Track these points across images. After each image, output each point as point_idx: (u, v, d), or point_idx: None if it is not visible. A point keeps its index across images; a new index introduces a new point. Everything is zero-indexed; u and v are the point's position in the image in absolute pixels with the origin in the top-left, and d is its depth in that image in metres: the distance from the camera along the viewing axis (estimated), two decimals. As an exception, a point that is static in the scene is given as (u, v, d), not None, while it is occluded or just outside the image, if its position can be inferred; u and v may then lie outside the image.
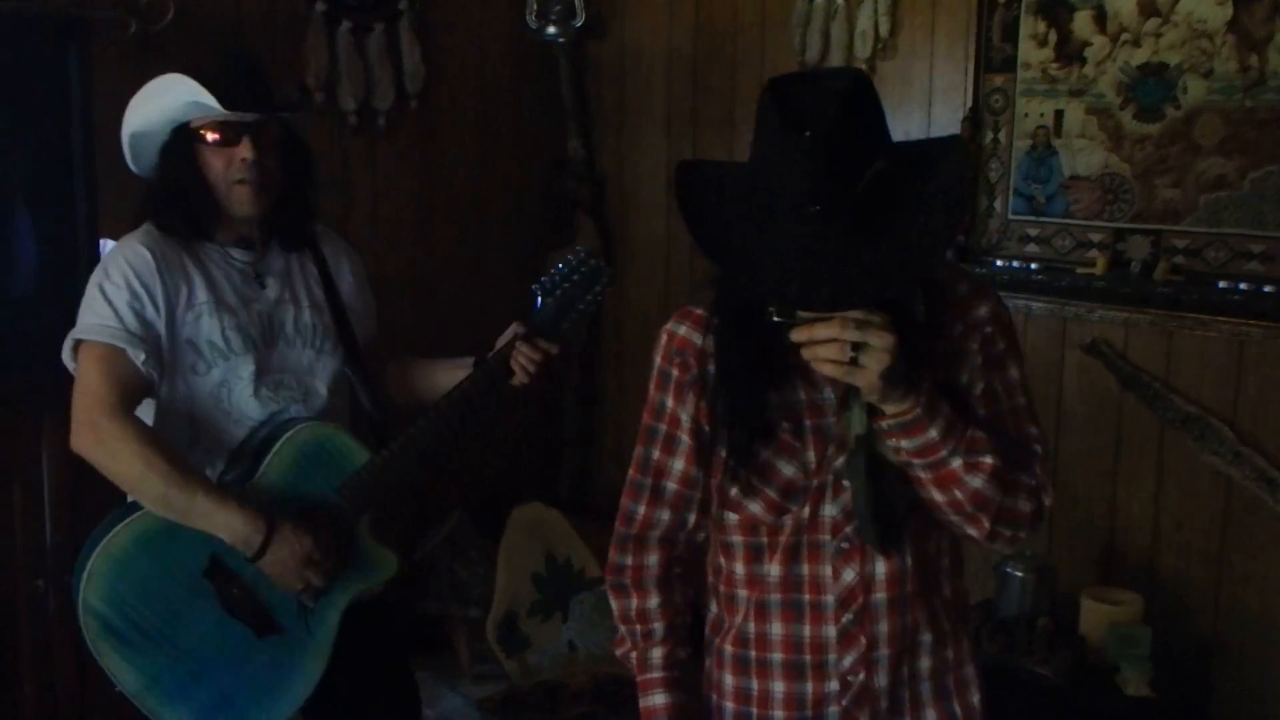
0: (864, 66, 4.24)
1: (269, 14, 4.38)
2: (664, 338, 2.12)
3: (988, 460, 1.92)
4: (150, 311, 2.68)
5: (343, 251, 3.02)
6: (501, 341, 2.86)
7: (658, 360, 2.13)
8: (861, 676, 2.05)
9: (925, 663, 2.10)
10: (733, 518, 2.09)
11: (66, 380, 3.37)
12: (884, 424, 1.89)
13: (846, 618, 2.04)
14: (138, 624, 2.64)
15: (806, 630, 2.06)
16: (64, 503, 3.34)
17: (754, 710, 2.13)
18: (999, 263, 3.95)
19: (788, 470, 2.02)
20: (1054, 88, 3.79)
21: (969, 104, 3.97)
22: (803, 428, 2.01)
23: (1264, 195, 3.41)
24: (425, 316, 4.76)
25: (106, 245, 3.75)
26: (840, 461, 1.99)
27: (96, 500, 3.34)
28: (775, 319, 1.82)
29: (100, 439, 2.62)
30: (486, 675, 4.53)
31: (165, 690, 2.66)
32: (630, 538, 2.21)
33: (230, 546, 2.63)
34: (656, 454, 2.16)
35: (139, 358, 2.65)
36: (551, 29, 4.98)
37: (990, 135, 3.94)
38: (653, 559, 2.20)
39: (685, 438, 2.12)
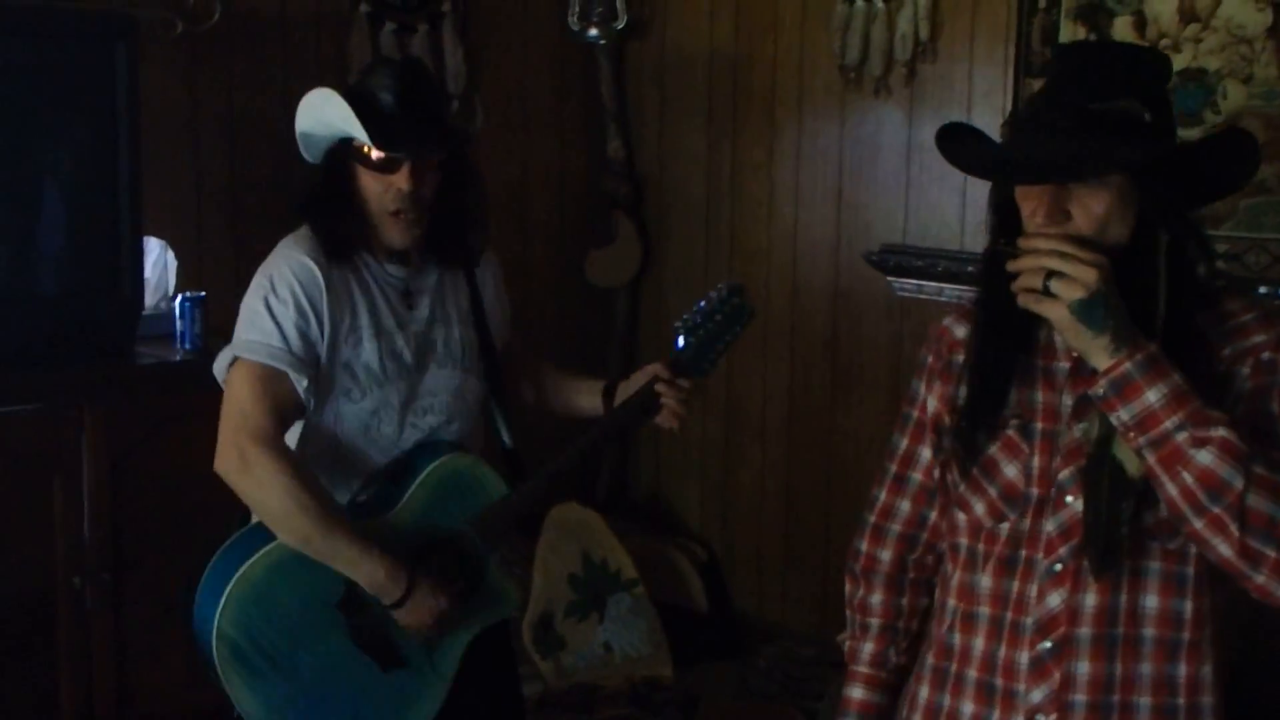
0: (904, 70, 4.24)
1: (314, 15, 4.41)
2: (932, 329, 2.15)
3: (1219, 433, 1.71)
4: (315, 332, 2.59)
5: (485, 259, 2.91)
6: (641, 380, 2.79)
7: (923, 349, 2.16)
8: (1053, 719, 1.90)
9: None
10: (961, 518, 2.02)
11: (107, 375, 3.44)
12: (1098, 388, 1.77)
13: (1043, 645, 1.90)
14: (267, 651, 2.56)
15: (1002, 651, 1.94)
16: (103, 499, 3.36)
17: None
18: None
19: (1009, 471, 1.94)
20: (1095, 92, 3.77)
21: (1009, 107, 3.96)
22: (1031, 429, 1.93)
23: (1305, 201, 3.39)
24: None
25: (151, 243, 3.80)
26: (1065, 474, 1.90)
27: (137, 497, 3.40)
28: (1000, 248, 1.87)
29: (247, 466, 2.52)
30: (522, 676, 4.50)
31: None
32: (870, 525, 2.19)
33: None
34: (905, 441, 2.16)
35: (301, 384, 2.57)
36: (593, 31, 4.99)
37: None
38: (886, 554, 2.18)
39: (929, 425, 2.11)
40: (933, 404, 2.10)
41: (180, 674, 3.28)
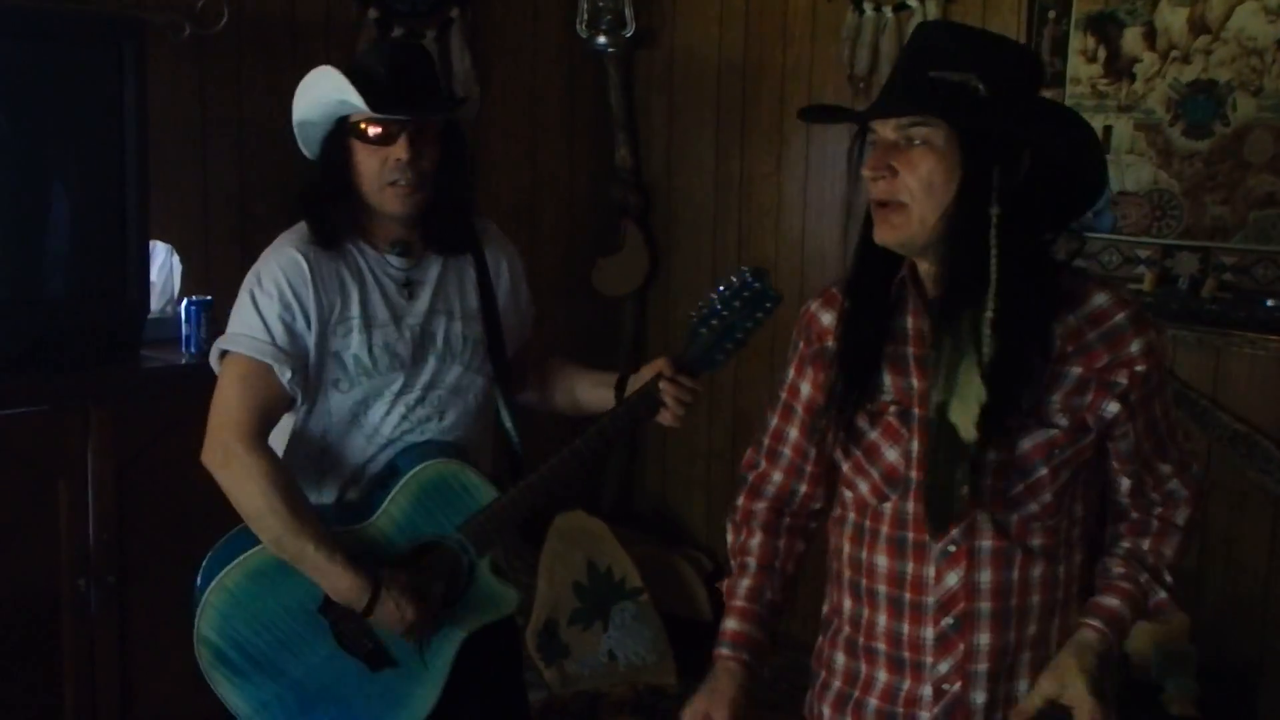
0: (913, 79, 4.24)
1: (322, 19, 4.41)
2: (801, 314, 2.23)
3: (1167, 582, 2.09)
4: (300, 324, 2.60)
5: (502, 251, 2.89)
6: (648, 374, 2.68)
7: (794, 334, 2.24)
8: (957, 687, 2.05)
9: (1024, 686, 2.07)
10: (848, 494, 2.15)
11: (113, 379, 3.43)
12: None
13: (946, 622, 2.04)
14: (250, 654, 2.61)
15: (906, 628, 2.07)
16: (109, 502, 3.35)
17: (855, 693, 2.17)
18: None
19: (890, 455, 2.05)
20: (1103, 103, 3.77)
21: (1018, 118, 3.95)
22: (910, 415, 2.03)
23: (1315, 213, 3.38)
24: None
25: (157, 247, 3.79)
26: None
27: (142, 499, 3.40)
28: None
29: (228, 463, 2.56)
30: (526, 683, 4.49)
31: (275, 719, 2.65)
32: (748, 484, 2.32)
33: None
34: (775, 420, 2.28)
35: (285, 375, 2.59)
36: (602, 39, 4.99)
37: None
38: (761, 505, 2.30)
39: (800, 409, 2.22)
40: (806, 389, 2.21)
41: (184, 678, 3.24)
